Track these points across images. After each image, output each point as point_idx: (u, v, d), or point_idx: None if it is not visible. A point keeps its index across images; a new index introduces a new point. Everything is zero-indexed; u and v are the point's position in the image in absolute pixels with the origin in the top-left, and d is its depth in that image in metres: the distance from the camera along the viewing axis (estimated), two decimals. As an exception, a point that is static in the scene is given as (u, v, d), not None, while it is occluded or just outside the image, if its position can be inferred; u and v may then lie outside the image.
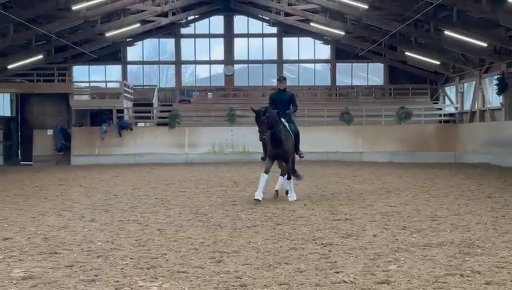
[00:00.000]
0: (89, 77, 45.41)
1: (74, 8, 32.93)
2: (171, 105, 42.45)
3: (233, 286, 7.27)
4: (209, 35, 46.72)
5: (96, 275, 7.83)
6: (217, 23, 46.45)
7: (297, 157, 17.29)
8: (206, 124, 39.53)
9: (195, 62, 47.26)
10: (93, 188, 20.98)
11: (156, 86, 45.27)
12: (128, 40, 45.11)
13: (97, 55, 43.05)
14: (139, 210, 14.70)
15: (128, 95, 41.06)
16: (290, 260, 8.74)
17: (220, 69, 47.01)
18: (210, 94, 45.84)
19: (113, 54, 45.26)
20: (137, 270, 8.12)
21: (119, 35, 41.22)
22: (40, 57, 39.30)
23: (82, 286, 7.30)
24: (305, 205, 15.33)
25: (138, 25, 41.47)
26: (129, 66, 46.68)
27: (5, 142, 39.82)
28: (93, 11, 35.65)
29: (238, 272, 7.97)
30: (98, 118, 40.22)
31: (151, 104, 42.44)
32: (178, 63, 46.68)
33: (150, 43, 46.90)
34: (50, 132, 39.40)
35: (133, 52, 46.77)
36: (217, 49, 46.89)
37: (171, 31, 45.80)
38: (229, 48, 46.54)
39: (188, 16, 44.74)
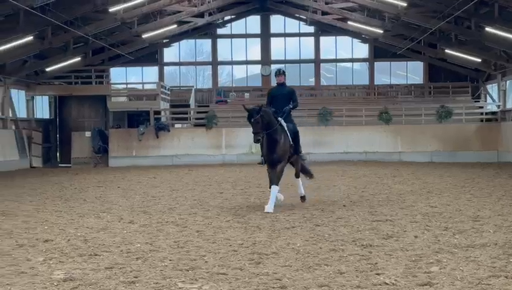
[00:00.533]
0: (126, 78, 45.85)
1: (111, 10, 33.29)
2: (208, 106, 42.66)
3: (273, 287, 7.26)
4: (246, 35, 46.84)
5: (136, 277, 7.88)
6: (253, 23, 46.54)
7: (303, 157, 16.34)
8: (243, 125, 39.45)
9: (232, 62, 47.41)
10: (131, 189, 21.15)
11: (192, 87, 45.52)
12: (164, 41, 45.45)
13: (134, 56, 43.38)
14: (177, 212, 14.77)
15: (165, 97, 41.37)
16: (329, 261, 8.71)
17: (256, 69, 47.09)
18: (247, 94, 45.88)
19: (150, 55, 45.61)
20: (177, 272, 8.16)
21: (155, 36, 41.51)
22: (77, 59, 39.77)
23: (122, 287, 7.36)
24: (344, 205, 15.28)
25: (175, 26, 41.70)
26: (166, 67, 47.03)
27: (44, 144, 40.42)
28: (129, 13, 35.96)
29: (277, 273, 7.96)
30: (135, 119, 40.63)
31: (188, 105, 42.65)
32: (215, 63, 46.87)
33: (186, 44, 47.20)
34: (88, 134, 39.88)
35: (169, 53, 47.11)
36: (254, 49, 46.97)
37: (208, 31, 46.02)
38: (265, 48, 46.58)
39: (224, 16, 44.89)
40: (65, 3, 30.12)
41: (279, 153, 14.73)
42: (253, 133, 14.53)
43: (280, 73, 15.74)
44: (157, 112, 39.40)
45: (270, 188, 14.72)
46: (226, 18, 45.62)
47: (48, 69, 39.42)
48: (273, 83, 45.64)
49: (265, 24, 46.41)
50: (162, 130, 38.17)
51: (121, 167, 35.46)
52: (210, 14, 42.40)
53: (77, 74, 41.33)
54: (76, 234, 11.51)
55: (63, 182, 25.02)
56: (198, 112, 41.72)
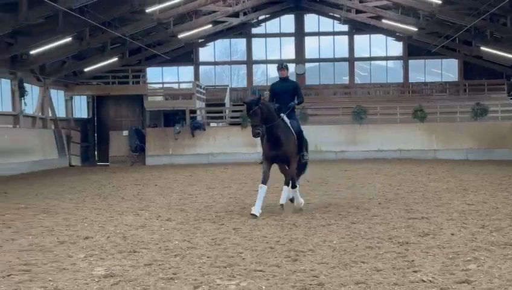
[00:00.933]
0: (162, 78, 46.17)
1: (148, 10, 33.50)
2: (243, 105, 42.66)
3: (310, 284, 7.26)
4: (280, 35, 46.84)
5: (175, 274, 7.94)
6: (287, 22, 46.52)
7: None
8: (277, 123, 39.54)
9: (266, 61, 47.43)
10: (168, 187, 21.28)
11: (227, 86, 45.64)
12: (200, 41, 45.65)
13: (170, 56, 43.66)
14: (214, 209, 14.82)
15: (201, 96, 41.53)
16: (366, 258, 8.68)
17: (291, 68, 46.97)
18: (281, 93, 45.78)
19: (186, 55, 45.85)
20: (215, 269, 8.21)
21: (191, 36, 41.72)
22: (115, 59, 40.13)
23: (161, 284, 7.42)
24: (379, 203, 15.20)
25: (210, 26, 41.89)
26: (201, 67, 47.25)
27: (83, 143, 40.90)
28: (166, 13, 36.15)
29: (314, 270, 7.96)
30: (171, 118, 40.83)
31: (223, 104, 42.78)
32: (249, 62, 46.96)
33: (221, 43, 47.35)
34: (125, 133, 40.22)
35: (205, 53, 47.32)
36: (288, 48, 46.94)
37: (242, 31, 46.12)
38: (300, 47, 46.53)
39: (258, 16, 44.95)
40: (103, 4, 30.39)
41: (283, 149, 13.58)
42: (252, 126, 13.33)
43: (283, 67, 14.56)
44: (193, 111, 39.54)
45: (260, 185, 13.50)
46: (261, 17, 45.68)
47: (86, 70, 39.85)
48: (308, 81, 46.51)
49: (299, 23, 46.34)
50: (197, 129, 38.31)
51: (157, 165, 35.68)
52: (245, 14, 42.49)
53: (114, 74, 41.75)
54: (115, 231, 11.63)
55: (101, 180, 25.28)
56: (233, 111, 41.80)
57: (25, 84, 34.21)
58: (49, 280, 7.67)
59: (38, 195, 19.23)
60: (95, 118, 42.85)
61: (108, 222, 12.94)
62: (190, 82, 43.14)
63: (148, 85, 41.88)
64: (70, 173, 30.81)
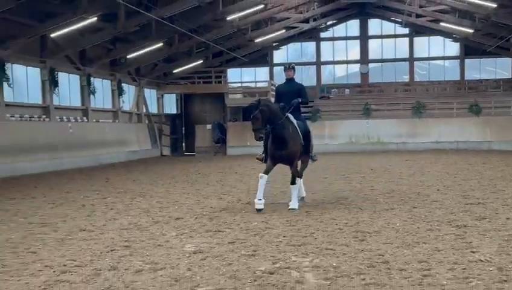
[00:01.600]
0: (241, 78, 46.38)
1: (229, 18, 33.72)
2: (313, 101, 42.52)
3: (377, 262, 7.17)
4: (346, 38, 46.40)
5: (255, 251, 7.97)
6: (353, 26, 46.09)
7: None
8: (343, 118, 39.30)
9: (334, 62, 47.06)
10: (247, 175, 21.39)
11: (298, 84, 45.44)
12: (274, 44, 45.63)
13: (248, 58, 43.87)
14: (288, 194, 14.77)
15: (275, 93, 41.51)
16: (427, 240, 8.51)
17: (356, 67, 46.55)
18: (347, 91, 45.50)
19: (261, 57, 45.96)
20: (290, 247, 8.20)
21: (266, 40, 41.82)
22: (200, 62, 40.63)
23: (244, 259, 7.46)
24: (438, 190, 14.87)
25: (283, 31, 41.88)
26: (275, 68, 47.16)
27: (172, 136, 41.62)
28: (244, 21, 36.34)
29: (380, 250, 7.86)
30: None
31: (294, 101, 42.63)
32: (318, 63, 46.68)
33: (293, 46, 47.21)
34: (209, 126, 40.79)
35: (278, 55, 47.26)
36: (353, 50, 46.45)
37: (312, 35, 45.87)
38: (364, 49, 46.00)
39: (326, 21, 44.68)
40: (190, 13, 30.75)
41: (289, 149, 11.93)
42: (253, 130, 11.86)
43: (289, 68, 12.88)
44: (268, 107, 39.55)
45: (260, 174, 11.96)
46: (329, 23, 45.36)
47: (174, 71, 40.51)
48: (371, 79, 45.95)
49: (363, 27, 45.81)
50: (272, 123, 38.29)
51: (236, 155, 35.94)
52: (314, 20, 42.35)
53: (199, 75, 42.26)
54: (202, 213, 11.76)
55: (188, 168, 25.64)
56: (303, 107, 41.62)
57: (123, 84, 35.05)
58: (147, 255, 7.82)
59: (135, 181, 19.67)
60: (183, 114, 43.55)
61: (196, 205, 13.09)
62: (265, 81, 43.25)
63: (229, 84, 42.21)
64: (162, 162, 31.38)
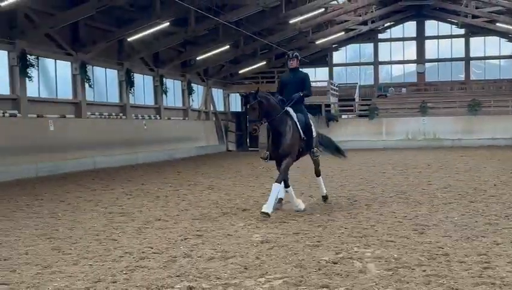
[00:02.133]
0: (302, 78, 46.17)
1: (291, 21, 33.68)
2: (370, 99, 42.05)
3: (437, 254, 7.01)
4: (403, 39, 45.68)
5: (319, 241, 7.93)
6: (410, 28, 45.35)
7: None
8: (400, 115, 38.66)
9: (391, 62, 46.40)
10: (309, 169, 21.14)
11: (357, 83, 45.05)
12: (333, 46, 45.30)
13: (308, 59, 43.61)
14: (348, 188, 14.69)
15: (334, 92, 41.28)
16: (486, 233, 8.25)
17: (412, 67, 45.77)
18: (404, 89, 44.75)
19: (321, 58, 45.72)
20: (352, 238, 8.12)
21: (326, 42, 41.57)
22: (263, 63, 40.69)
23: (308, 249, 7.42)
24: (494, 185, 14.43)
25: (342, 33, 41.53)
26: (334, 68, 46.89)
27: (237, 132, 41.86)
28: (306, 24, 36.20)
29: (439, 242, 7.68)
30: (309, 111, 40.78)
31: (353, 99, 42.31)
32: (376, 63, 46.12)
33: (351, 47, 46.79)
34: (271, 123, 40.71)
35: (337, 56, 46.94)
36: (410, 50, 45.68)
37: (370, 36, 45.29)
38: (420, 49, 45.18)
39: (384, 23, 44.05)
40: (255, 17, 30.87)
41: (285, 146, 10.51)
42: (248, 121, 10.51)
43: (292, 56, 11.15)
44: (328, 105, 39.47)
45: (275, 183, 10.43)
46: (386, 24, 44.70)
47: (240, 72, 40.72)
48: (428, 78, 45.05)
49: (420, 28, 44.99)
50: (331, 120, 38.21)
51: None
52: (372, 22, 41.83)
53: (263, 75, 42.37)
54: (267, 205, 11.75)
55: (253, 162, 25.71)
56: (361, 105, 41.23)
57: (192, 85, 35.47)
58: (218, 244, 7.88)
59: (204, 174, 19.88)
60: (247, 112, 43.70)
61: (261, 198, 13.05)
62: (325, 81, 42.96)
63: (290, 84, 42.11)
64: (228, 157, 31.62)
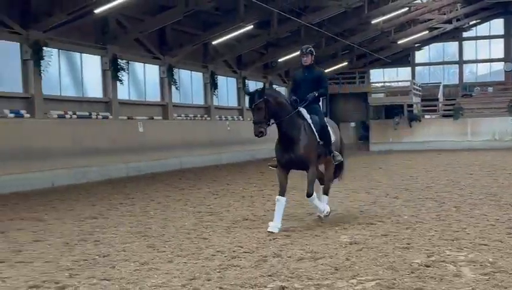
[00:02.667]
0: (383, 78, 45.51)
1: (373, 22, 33.22)
2: (455, 99, 40.80)
3: (535, 259, 6.72)
4: (489, 37, 43.97)
5: (409, 244, 7.75)
6: (496, 25, 43.56)
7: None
8: (486, 115, 37.30)
9: (476, 61, 44.77)
10: (391, 170, 20.92)
11: (440, 83, 43.82)
12: (416, 45, 44.27)
13: (390, 59, 42.91)
14: (434, 190, 14.29)
15: (417, 92, 40.34)
16: None
17: (499, 66, 43.99)
18: (490, 89, 43.08)
19: (403, 58, 44.78)
20: (443, 241, 7.88)
21: (408, 42, 40.70)
22: (344, 63, 40.34)
23: (399, 252, 7.27)
24: None
25: (426, 32, 40.55)
26: (417, 68, 45.83)
27: (318, 133, 41.69)
28: (388, 24, 35.61)
29: (537, 247, 7.35)
30: (391, 112, 40.13)
31: (436, 99, 41.18)
32: (460, 62, 44.68)
33: (434, 46, 45.53)
34: (352, 124, 40.51)
35: (420, 56, 45.84)
36: (497, 48, 43.91)
37: (454, 35, 43.90)
38: (508, 47, 43.33)
39: (469, 21, 42.61)
40: (337, 18, 30.68)
41: (299, 152, 9.12)
42: (253, 123, 9.02)
43: (306, 52, 9.73)
44: (410, 105, 38.64)
45: (277, 197, 9.25)
46: (471, 22, 43.22)
47: (321, 73, 40.48)
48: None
49: (508, 26, 43.12)
50: (414, 120, 37.42)
51: (379, 151, 35.28)
52: (457, 20, 40.59)
53: (343, 76, 42.08)
54: (352, 206, 11.66)
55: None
56: (445, 105, 40.09)
57: (274, 86, 35.56)
58: (306, 244, 7.85)
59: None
60: (328, 112, 43.42)
61: (346, 198, 12.98)
62: (407, 81, 42.08)
63: (372, 84, 41.64)
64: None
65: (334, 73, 41.26)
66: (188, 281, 6.10)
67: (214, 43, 26.81)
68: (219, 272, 6.45)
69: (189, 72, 27.64)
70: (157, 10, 22.96)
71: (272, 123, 9.09)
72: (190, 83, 27.97)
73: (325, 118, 10.03)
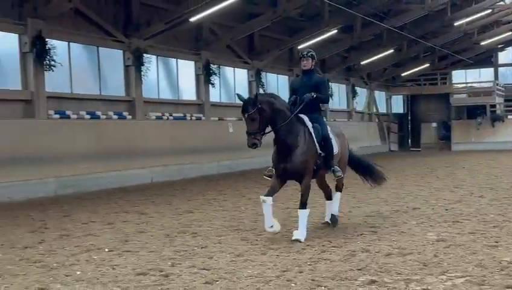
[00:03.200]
0: (465, 78, 43.79)
1: (456, 24, 32.17)
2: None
3: None
4: None
5: (497, 242, 7.43)
6: None
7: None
8: None
9: None
10: (474, 170, 20.16)
11: (524, 83, 41.83)
12: (499, 46, 42.31)
13: (473, 60, 41.31)
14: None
15: (500, 92, 38.69)
16: None
17: None
18: None
19: (486, 59, 42.97)
20: (537, 242, 7.51)
21: (491, 43, 38.98)
22: (426, 65, 39.30)
23: (487, 249, 6.98)
24: None
25: (509, 33, 38.68)
26: (500, 68, 43.84)
27: (399, 133, 40.83)
28: (471, 25, 34.34)
29: None
30: (473, 112, 38.73)
31: (522, 99, 39.41)
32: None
33: (518, 47, 43.44)
34: (434, 124, 39.41)
35: (503, 56, 43.79)
36: None
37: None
38: None
39: None
40: (419, 21, 29.93)
41: (295, 162, 7.96)
42: (247, 133, 7.82)
43: (306, 55, 8.59)
44: (493, 106, 37.13)
45: (262, 197, 8.00)
46: None
47: (402, 74, 39.68)
48: None
49: None
50: (497, 121, 35.98)
51: (461, 151, 34.06)
52: (542, 20, 38.48)
53: (425, 77, 41.07)
54: (437, 204, 11.31)
55: (416, 162, 24.97)
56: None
57: (356, 88, 35.24)
58: (393, 240, 7.69)
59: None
60: (409, 113, 42.49)
61: (430, 197, 12.64)
62: (491, 81, 40.37)
63: (454, 85, 40.33)
64: (390, 157, 30.92)
65: (415, 75, 40.37)
66: (281, 272, 6.13)
67: (299, 47, 26.79)
68: (310, 265, 6.45)
69: (276, 75, 27.80)
70: (246, 18, 23.25)
71: (269, 131, 8.08)
72: (276, 85, 28.11)
73: (331, 123, 8.97)
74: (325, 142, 8.29)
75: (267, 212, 7.92)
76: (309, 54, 8.57)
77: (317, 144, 8.15)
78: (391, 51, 32.80)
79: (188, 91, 22.22)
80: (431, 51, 37.59)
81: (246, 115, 7.74)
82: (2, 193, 13.49)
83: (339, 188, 9.33)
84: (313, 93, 8.28)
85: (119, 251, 7.52)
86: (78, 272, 6.39)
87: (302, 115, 8.26)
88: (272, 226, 7.95)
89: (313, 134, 8.16)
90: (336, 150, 8.53)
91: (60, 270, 6.50)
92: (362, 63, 33.40)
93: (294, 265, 6.43)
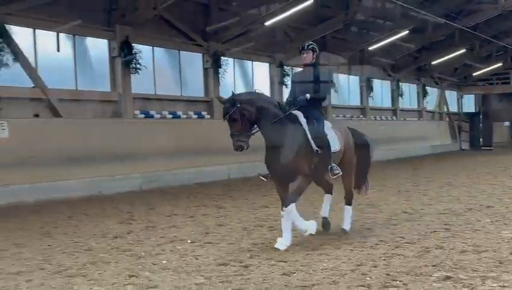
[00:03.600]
0: (540, 77, 41.85)
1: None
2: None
3: None
4: None
5: None
6: None
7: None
8: None
9: None
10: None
11: None
12: None
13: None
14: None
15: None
16: None
17: None
18: None
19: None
20: None
21: None
22: (499, 64, 37.71)
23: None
24: None
25: None
26: None
27: (470, 132, 39.42)
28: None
29: None
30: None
31: None
32: None
33: None
34: (507, 123, 37.88)
35: None
36: None
37: None
38: None
39: None
40: (492, 21, 28.80)
41: (286, 160, 7.12)
42: (231, 135, 7.08)
43: (306, 48, 7.72)
44: None
45: (282, 209, 7.33)
46: None
47: (474, 74, 38.30)
48: None
49: None
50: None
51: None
52: None
53: (497, 76, 39.47)
54: (511, 203, 10.84)
55: (489, 161, 24.01)
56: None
57: (426, 88, 34.38)
58: (467, 238, 7.45)
59: (440, 171, 19.05)
60: (480, 112, 40.91)
61: (504, 195, 12.11)
62: None
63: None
64: (462, 155, 29.95)
65: (487, 74, 38.86)
66: (355, 266, 6.08)
67: (370, 48, 26.41)
68: (384, 260, 6.35)
69: (347, 75, 27.50)
70: (318, 20, 23.11)
71: (256, 131, 7.28)
72: (347, 86, 27.82)
73: (333, 121, 8.24)
74: (321, 140, 7.37)
75: (295, 221, 7.20)
76: (309, 47, 7.73)
77: (312, 142, 7.30)
78: (463, 50, 31.69)
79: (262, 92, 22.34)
80: (504, 50, 36.05)
81: (226, 116, 7.00)
82: (92, 186, 14.10)
83: (348, 201, 8.40)
84: (307, 95, 7.45)
85: (201, 242, 7.69)
86: (164, 261, 6.59)
87: (296, 112, 7.43)
88: (281, 245, 7.11)
89: (307, 131, 7.33)
90: (337, 147, 7.65)
91: (147, 259, 6.73)
92: (433, 63, 32.46)
93: (369, 260, 6.35)
